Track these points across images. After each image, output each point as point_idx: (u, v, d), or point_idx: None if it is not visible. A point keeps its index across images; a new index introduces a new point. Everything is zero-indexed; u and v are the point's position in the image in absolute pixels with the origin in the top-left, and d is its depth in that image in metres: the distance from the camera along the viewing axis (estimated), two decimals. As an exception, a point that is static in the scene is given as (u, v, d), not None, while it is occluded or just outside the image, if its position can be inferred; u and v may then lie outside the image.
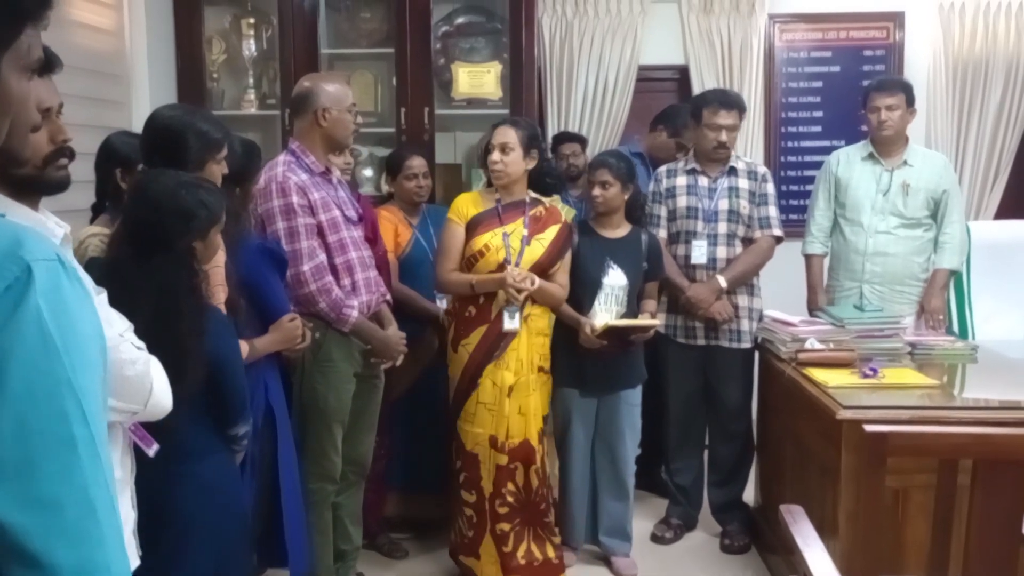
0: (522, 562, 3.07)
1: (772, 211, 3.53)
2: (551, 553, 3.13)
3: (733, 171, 3.53)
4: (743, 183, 3.52)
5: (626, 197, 3.28)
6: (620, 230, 3.32)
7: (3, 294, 0.79)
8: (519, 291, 2.99)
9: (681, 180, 3.55)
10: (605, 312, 3.14)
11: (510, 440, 3.04)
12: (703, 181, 3.53)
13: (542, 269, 3.10)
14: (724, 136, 3.46)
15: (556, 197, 3.93)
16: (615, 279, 3.17)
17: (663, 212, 3.55)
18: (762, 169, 3.62)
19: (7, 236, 0.82)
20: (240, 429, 2.06)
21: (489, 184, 3.18)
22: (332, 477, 2.87)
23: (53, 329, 0.81)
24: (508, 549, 3.06)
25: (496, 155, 3.04)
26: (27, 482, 0.79)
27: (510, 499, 3.07)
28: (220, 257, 2.18)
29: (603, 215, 3.30)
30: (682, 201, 3.52)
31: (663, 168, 3.64)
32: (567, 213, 3.81)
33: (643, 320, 3.25)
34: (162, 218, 1.86)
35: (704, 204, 3.50)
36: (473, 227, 3.08)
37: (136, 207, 1.90)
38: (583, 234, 3.31)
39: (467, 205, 3.11)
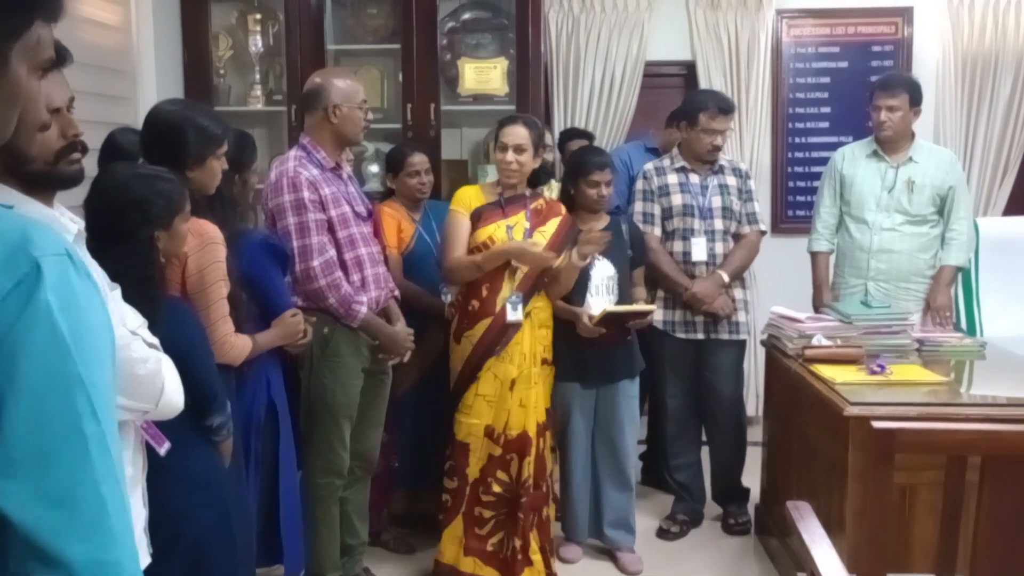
0: (490, 548, 3.05)
1: (757, 206, 3.65)
2: (533, 556, 3.05)
3: (721, 169, 3.60)
4: (731, 180, 3.59)
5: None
6: (601, 221, 3.35)
7: (13, 290, 0.79)
8: (534, 254, 2.99)
9: (672, 178, 3.58)
10: (599, 303, 3.16)
11: (508, 432, 3.04)
12: (694, 179, 3.58)
13: None
14: (720, 140, 3.54)
15: (555, 186, 3.92)
16: (603, 270, 3.21)
17: (656, 211, 3.57)
18: (743, 166, 3.75)
19: (15, 231, 0.82)
20: (215, 420, 2.00)
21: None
22: (340, 472, 2.87)
23: (63, 324, 0.80)
24: (482, 532, 3.05)
25: (511, 155, 3.04)
26: (41, 479, 0.79)
27: (497, 488, 3.05)
28: (221, 251, 2.18)
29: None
30: (677, 199, 3.55)
31: (650, 166, 3.66)
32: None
33: (640, 305, 3.30)
34: (119, 210, 1.84)
35: (699, 202, 3.54)
36: (476, 219, 3.09)
37: (93, 201, 1.89)
38: None
39: (471, 197, 3.13)
